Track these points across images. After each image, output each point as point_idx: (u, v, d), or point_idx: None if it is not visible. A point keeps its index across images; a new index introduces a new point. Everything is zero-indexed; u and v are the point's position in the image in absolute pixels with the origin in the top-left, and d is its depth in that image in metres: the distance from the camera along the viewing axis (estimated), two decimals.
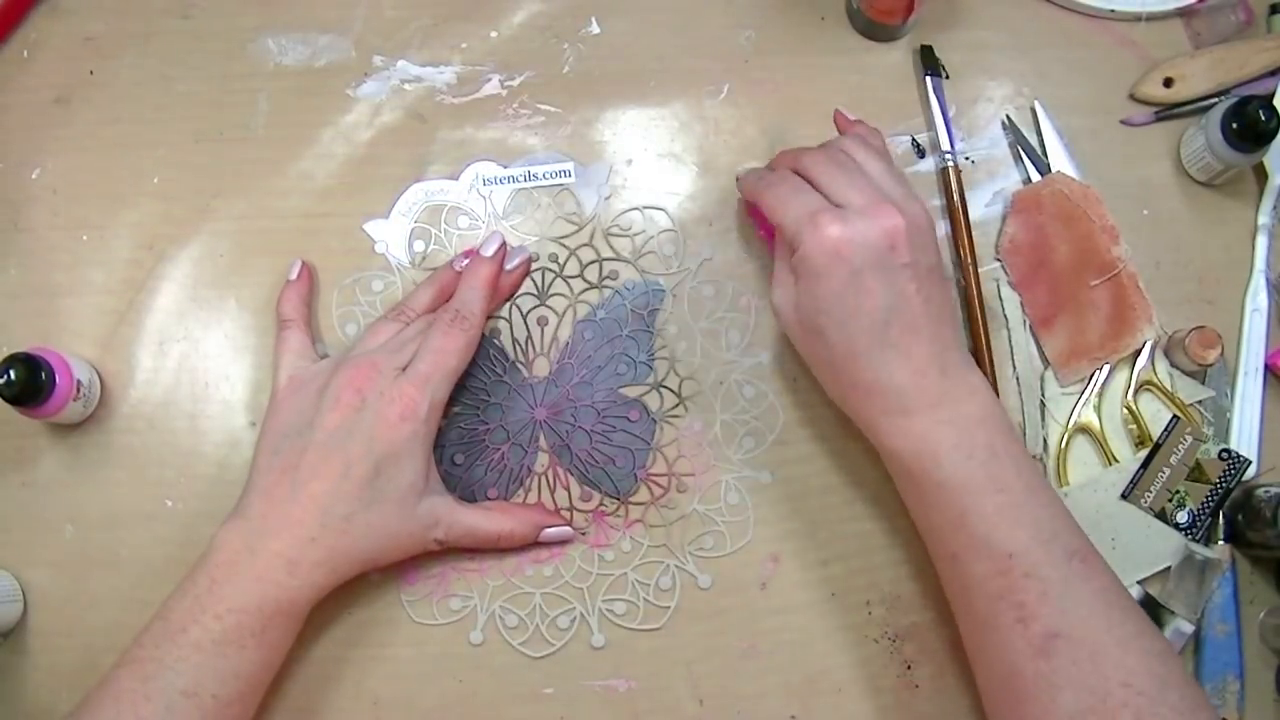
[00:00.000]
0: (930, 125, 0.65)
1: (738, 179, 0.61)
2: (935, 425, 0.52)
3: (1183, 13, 0.67)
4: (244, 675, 0.53)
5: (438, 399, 0.56)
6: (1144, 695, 0.48)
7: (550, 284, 0.64)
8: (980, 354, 0.62)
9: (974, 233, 0.64)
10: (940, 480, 0.52)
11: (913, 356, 0.52)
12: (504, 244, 0.62)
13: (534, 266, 0.64)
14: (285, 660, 0.56)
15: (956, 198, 0.63)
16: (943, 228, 0.64)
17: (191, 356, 0.63)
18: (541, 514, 0.60)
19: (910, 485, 0.54)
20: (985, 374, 0.62)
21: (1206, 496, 0.60)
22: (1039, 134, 0.65)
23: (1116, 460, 0.61)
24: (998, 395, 0.61)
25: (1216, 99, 0.65)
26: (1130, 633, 0.49)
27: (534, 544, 0.60)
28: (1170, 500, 0.60)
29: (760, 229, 0.63)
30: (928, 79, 0.65)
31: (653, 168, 0.65)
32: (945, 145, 0.64)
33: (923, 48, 0.66)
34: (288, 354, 0.59)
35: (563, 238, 0.64)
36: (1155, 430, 0.61)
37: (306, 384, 0.58)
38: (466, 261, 0.62)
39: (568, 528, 0.60)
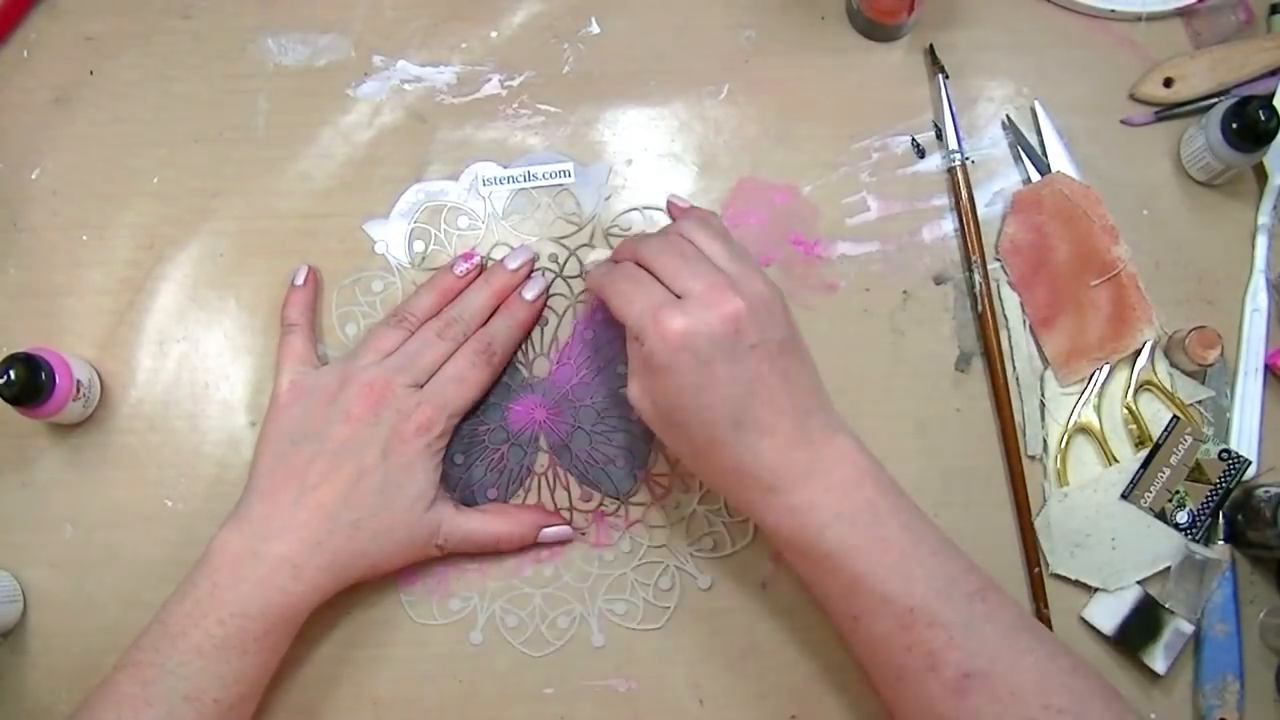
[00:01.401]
0: (933, 125, 0.65)
1: (585, 275, 0.61)
2: (811, 497, 0.51)
3: (1183, 13, 0.66)
4: (245, 679, 0.53)
5: (453, 422, 0.58)
6: (1066, 713, 0.48)
7: (550, 284, 0.63)
8: (990, 354, 0.62)
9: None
10: (827, 550, 0.51)
11: (777, 433, 0.51)
12: (546, 290, 0.63)
13: (534, 266, 0.63)
14: (285, 660, 0.56)
15: (965, 196, 0.63)
16: (950, 225, 0.64)
17: (191, 356, 0.63)
18: (540, 514, 0.60)
19: (798, 559, 0.53)
20: (998, 375, 0.62)
21: (1206, 496, 0.60)
22: (1039, 134, 0.65)
23: (1116, 460, 0.61)
24: (1007, 397, 0.61)
25: (1216, 99, 0.65)
26: (1042, 656, 0.49)
27: (534, 544, 0.60)
28: (1170, 500, 0.60)
29: None
30: (940, 78, 0.65)
31: (653, 168, 0.65)
32: (953, 145, 0.64)
33: (931, 48, 0.66)
34: (290, 359, 0.59)
35: (563, 238, 0.64)
36: (1155, 430, 0.61)
37: (310, 391, 0.58)
38: (467, 265, 0.62)
39: (567, 527, 0.60)
